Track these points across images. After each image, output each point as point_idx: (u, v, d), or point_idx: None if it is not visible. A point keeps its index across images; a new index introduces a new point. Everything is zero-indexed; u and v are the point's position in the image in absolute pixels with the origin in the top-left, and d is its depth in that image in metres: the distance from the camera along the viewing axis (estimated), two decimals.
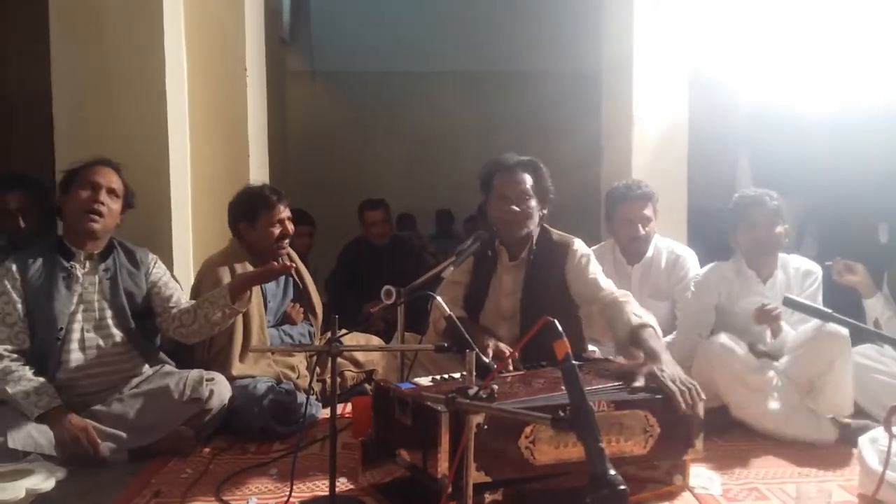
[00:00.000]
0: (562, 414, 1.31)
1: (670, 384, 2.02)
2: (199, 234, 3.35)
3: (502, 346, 2.39)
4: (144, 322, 2.62)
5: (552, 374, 2.16)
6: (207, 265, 2.96)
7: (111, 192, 2.52)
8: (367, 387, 3.15)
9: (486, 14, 7.87)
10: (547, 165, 2.61)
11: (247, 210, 2.97)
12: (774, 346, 2.69)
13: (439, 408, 1.77)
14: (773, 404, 2.57)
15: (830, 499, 1.80)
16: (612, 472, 1.20)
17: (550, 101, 7.44)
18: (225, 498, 2.12)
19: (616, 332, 2.35)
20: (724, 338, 2.66)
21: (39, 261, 2.45)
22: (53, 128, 3.05)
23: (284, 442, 2.61)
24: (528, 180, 2.52)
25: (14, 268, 2.42)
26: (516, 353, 2.22)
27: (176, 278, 2.83)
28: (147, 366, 2.63)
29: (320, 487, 2.18)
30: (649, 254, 3.13)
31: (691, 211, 3.73)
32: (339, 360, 2.81)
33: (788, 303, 2.55)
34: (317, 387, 3.01)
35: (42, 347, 2.42)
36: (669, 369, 2.09)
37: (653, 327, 2.27)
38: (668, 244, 3.18)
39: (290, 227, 3.03)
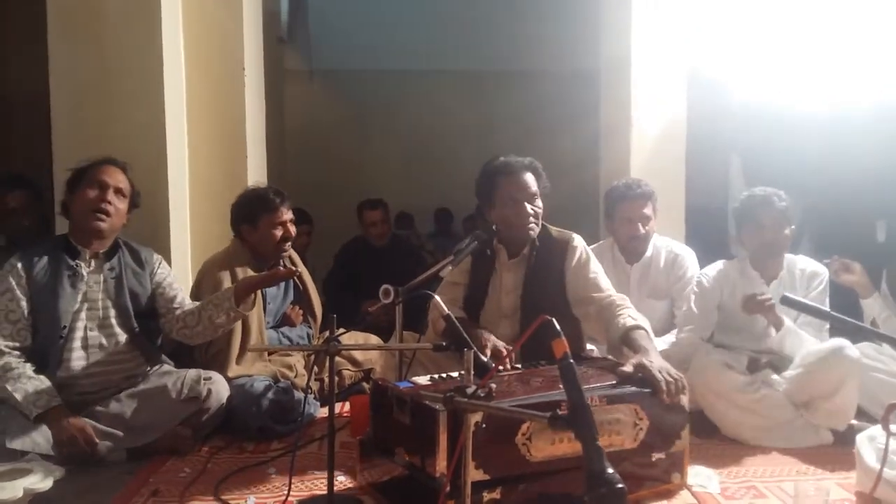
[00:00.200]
0: (559, 412, 1.31)
1: (657, 373, 2.05)
2: (197, 233, 3.34)
3: (500, 344, 2.39)
4: (148, 322, 2.62)
5: (550, 373, 2.16)
6: (207, 266, 2.95)
7: (118, 191, 2.53)
8: (366, 385, 3.16)
9: (484, 14, 7.84)
10: (545, 165, 2.62)
11: (249, 212, 2.96)
12: (777, 342, 2.65)
13: (437, 406, 1.78)
14: (765, 422, 2.54)
15: (828, 497, 1.81)
16: (611, 470, 1.20)
17: (549, 100, 7.42)
18: (223, 497, 2.12)
19: (609, 334, 2.37)
20: (717, 355, 2.66)
21: (45, 259, 2.45)
22: (52, 128, 3.05)
23: (282, 441, 2.61)
24: (533, 181, 2.55)
25: (19, 265, 2.42)
26: (514, 352, 2.22)
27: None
28: (148, 366, 2.63)
29: (318, 486, 2.18)
30: (648, 253, 3.13)
31: (689, 210, 3.73)
32: (338, 358, 2.80)
33: (786, 301, 2.47)
34: (315, 386, 3.01)
35: (44, 345, 2.42)
36: (658, 362, 2.11)
37: (645, 329, 2.29)
38: (666, 243, 3.18)
39: (293, 229, 3.02)
